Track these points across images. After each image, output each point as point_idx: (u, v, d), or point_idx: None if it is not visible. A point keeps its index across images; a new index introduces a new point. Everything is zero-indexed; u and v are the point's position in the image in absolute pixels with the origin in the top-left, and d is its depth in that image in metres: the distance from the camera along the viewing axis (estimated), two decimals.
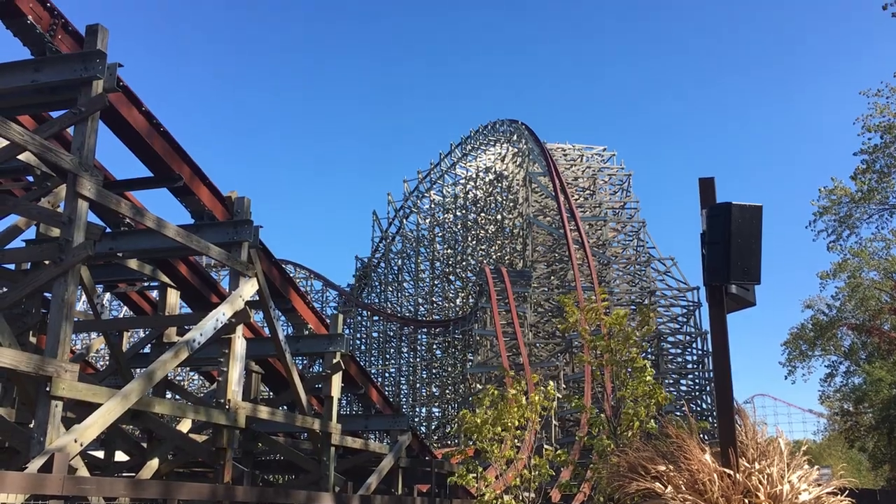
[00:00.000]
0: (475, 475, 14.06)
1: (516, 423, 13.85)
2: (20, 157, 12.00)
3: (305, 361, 28.92)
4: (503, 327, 51.28)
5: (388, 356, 75.58)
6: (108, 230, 13.90)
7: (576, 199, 62.49)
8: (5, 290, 13.14)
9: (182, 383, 55.07)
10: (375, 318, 76.42)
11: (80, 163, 10.22)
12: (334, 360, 16.91)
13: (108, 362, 23.01)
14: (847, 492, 7.27)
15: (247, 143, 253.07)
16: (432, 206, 79.42)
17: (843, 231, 32.60)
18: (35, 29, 11.12)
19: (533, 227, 61.31)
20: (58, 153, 10.25)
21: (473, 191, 76.60)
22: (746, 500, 6.84)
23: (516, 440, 14.19)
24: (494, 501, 13.52)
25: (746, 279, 7.69)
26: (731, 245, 7.49)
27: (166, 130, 13.28)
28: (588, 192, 66.43)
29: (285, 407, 18.38)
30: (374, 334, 76.45)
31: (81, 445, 9.42)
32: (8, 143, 10.30)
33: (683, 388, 60.16)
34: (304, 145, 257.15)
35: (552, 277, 59.68)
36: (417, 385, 73.15)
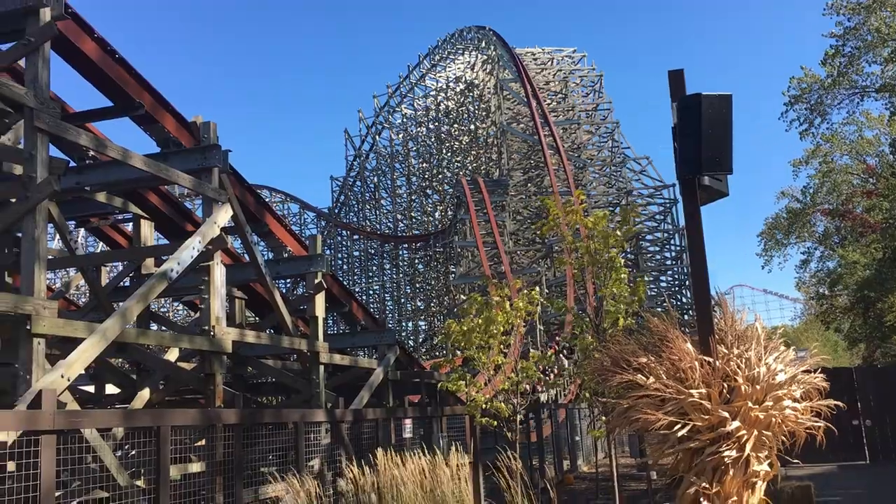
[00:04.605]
0: (465, 382, 14.33)
1: (502, 328, 14.04)
2: None
3: (289, 284, 28.98)
4: (483, 237, 51.50)
5: (370, 274, 75.95)
6: (73, 164, 13.60)
7: (548, 104, 61.88)
8: None
9: (167, 314, 55.25)
10: (355, 237, 76.39)
11: (34, 95, 9.89)
12: (316, 280, 16.94)
13: (89, 298, 22.91)
14: (821, 370, 7.45)
15: (208, 72, 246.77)
16: (404, 120, 78.33)
17: (815, 118, 32.64)
18: None
19: (507, 134, 60.84)
20: (11, 86, 9.91)
21: (445, 102, 75.49)
22: (726, 384, 7.01)
23: (502, 346, 14.42)
24: (485, 405, 13.85)
25: (718, 169, 7.67)
26: (702, 136, 7.43)
27: (122, 57, 12.85)
28: (560, 95, 65.76)
29: (272, 330, 18.46)
30: (356, 253, 76.57)
31: (69, 380, 9.42)
32: None
33: (664, 284, 61.23)
34: (269, 69, 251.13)
35: (529, 184, 59.67)
36: (402, 300, 73.80)
